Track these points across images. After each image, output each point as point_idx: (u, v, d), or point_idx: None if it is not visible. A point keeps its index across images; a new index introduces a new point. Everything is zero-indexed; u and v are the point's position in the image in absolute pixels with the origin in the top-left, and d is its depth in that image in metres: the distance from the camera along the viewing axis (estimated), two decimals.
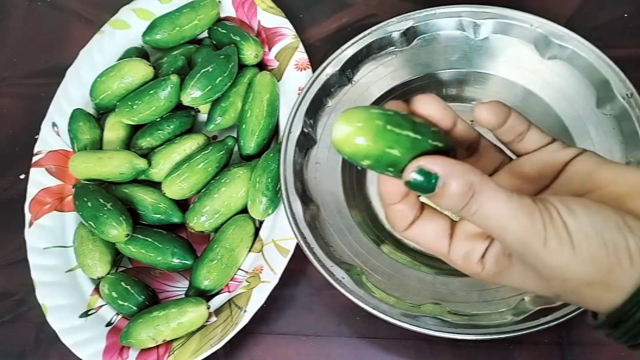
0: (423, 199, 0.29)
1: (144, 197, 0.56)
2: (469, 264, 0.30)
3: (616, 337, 0.28)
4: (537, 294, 0.30)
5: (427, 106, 0.28)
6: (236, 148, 0.58)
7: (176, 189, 0.56)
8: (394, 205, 0.30)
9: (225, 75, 0.58)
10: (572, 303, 0.29)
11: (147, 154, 0.58)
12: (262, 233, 0.54)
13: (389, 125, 0.26)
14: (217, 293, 0.54)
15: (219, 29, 0.63)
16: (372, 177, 0.56)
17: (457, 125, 0.30)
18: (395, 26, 0.55)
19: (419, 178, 0.25)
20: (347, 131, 0.25)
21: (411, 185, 0.26)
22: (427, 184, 0.26)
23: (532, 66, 0.53)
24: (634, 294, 0.26)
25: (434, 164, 0.25)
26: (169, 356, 0.50)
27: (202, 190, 0.56)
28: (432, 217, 0.30)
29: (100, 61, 0.64)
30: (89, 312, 0.54)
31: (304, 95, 0.54)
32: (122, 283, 0.53)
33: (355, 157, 0.26)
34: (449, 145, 0.28)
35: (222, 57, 0.58)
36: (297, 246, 0.50)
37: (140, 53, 0.64)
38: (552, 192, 0.31)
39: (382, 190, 0.29)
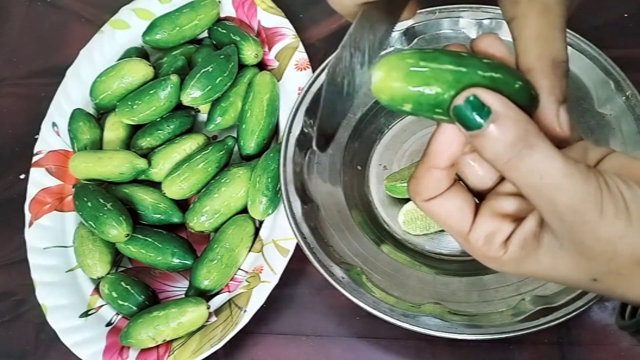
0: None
1: (144, 197, 0.56)
2: (490, 246, 0.27)
3: None
4: (564, 282, 0.28)
5: (490, 47, 0.26)
6: (236, 148, 0.58)
7: (176, 189, 0.56)
8: (433, 170, 0.27)
9: (225, 75, 0.58)
10: (604, 292, 0.26)
11: (147, 154, 0.58)
12: (262, 233, 0.54)
13: (423, 61, 0.23)
14: (217, 293, 0.54)
15: (219, 29, 0.63)
16: (372, 177, 0.56)
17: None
18: (395, 26, 0.55)
19: (470, 108, 0.23)
20: (379, 76, 0.23)
21: (459, 111, 0.23)
22: (478, 116, 0.23)
23: None
24: None
25: (491, 97, 0.23)
26: (169, 356, 0.50)
27: (202, 190, 0.56)
28: (459, 193, 0.28)
29: (100, 61, 0.64)
30: (89, 312, 0.54)
31: (304, 95, 0.54)
32: (122, 283, 0.53)
33: (394, 103, 0.24)
34: (513, 81, 0.24)
35: (222, 57, 0.58)
36: (297, 246, 0.50)
37: (140, 53, 0.64)
38: None
39: (434, 147, 0.26)
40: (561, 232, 0.25)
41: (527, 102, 0.25)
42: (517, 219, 0.27)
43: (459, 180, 0.28)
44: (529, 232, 0.26)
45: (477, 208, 0.28)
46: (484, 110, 0.23)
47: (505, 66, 0.25)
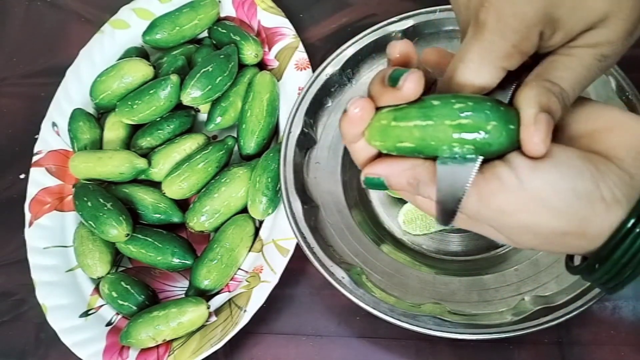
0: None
1: (144, 197, 0.56)
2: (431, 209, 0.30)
3: (594, 280, 0.28)
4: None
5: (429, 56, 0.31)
6: (236, 148, 0.58)
7: (176, 188, 0.56)
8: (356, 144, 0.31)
9: (225, 75, 0.58)
10: (547, 252, 0.29)
11: (147, 154, 0.58)
12: (262, 233, 0.54)
13: (394, 121, 0.28)
14: (217, 293, 0.54)
15: (219, 28, 0.63)
16: None
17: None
18: (395, 26, 0.55)
19: (371, 182, 0.30)
20: (366, 135, 0.29)
21: (369, 187, 0.30)
22: (380, 185, 0.29)
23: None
24: (612, 235, 0.26)
25: (375, 169, 0.29)
26: (169, 356, 0.50)
27: (202, 190, 0.56)
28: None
29: (100, 61, 0.64)
30: (89, 312, 0.54)
31: (304, 95, 0.54)
32: (122, 283, 0.53)
33: (385, 150, 0.29)
34: (485, 122, 0.27)
35: (222, 56, 0.58)
36: (297, 246, 0.50)
37: (140, 53, 0.64)
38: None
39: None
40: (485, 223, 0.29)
41: (504, 140, 0.26)
42: None
43: None
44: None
45: None
46: (379, 179, 0.30)
47: (481, 106, 0.27)
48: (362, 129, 0.29)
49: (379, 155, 0.30)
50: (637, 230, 0.25)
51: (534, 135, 0.26)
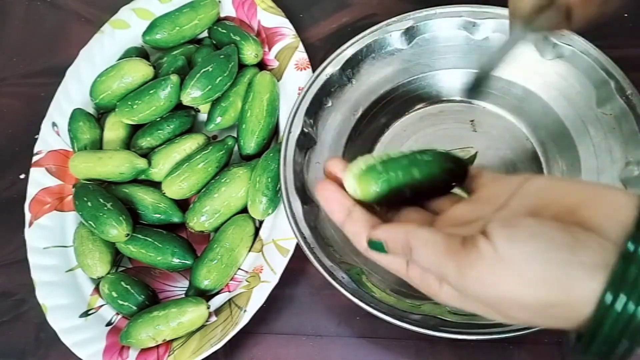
0: None
1: (144, 197, 0.56)
2: (427, 282, 0.32)
3: (592, 358, 0.27)
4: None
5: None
6: (236, 148, 0.58)
7: (176, 188, 0.56)
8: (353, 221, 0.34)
9: (225, 75, 0.58)
10: (544, 326, 0.29)
11: (147, 154, 0.58)
12: (262, 233, 0.54)
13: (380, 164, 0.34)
14: (217, 293, 0.54)
15: (219, 28, 0.63)
16: None
17: None
18: (395, 26, 0.55)
19: (374, 245, 0.32)
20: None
21: (371, 249, 0.33)
22: (380, 248, 0.32)
23: (532, 66, 0.53)
24: (596, 308, 0.25)
25: (377, 233, 0.32)
26: (169, 356, 0.50)
27: (202, 190, 0.56)
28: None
29: (100, 61, 0.64)
30: (89, 312, 0.54)
31: (304, 95, 0.54)
32: (122, 283, 0.53)
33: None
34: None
35: (222, 57, 0.58)
36: (297, 246, 0.50)
37: (140, 53, 0.64)
38: (510, 210, 0.30)
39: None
40: (464, 293, 0.29)
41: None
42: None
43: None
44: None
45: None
46: (380, 242, 0.32)
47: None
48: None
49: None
50: (617, 304, 0.25)
51: None
